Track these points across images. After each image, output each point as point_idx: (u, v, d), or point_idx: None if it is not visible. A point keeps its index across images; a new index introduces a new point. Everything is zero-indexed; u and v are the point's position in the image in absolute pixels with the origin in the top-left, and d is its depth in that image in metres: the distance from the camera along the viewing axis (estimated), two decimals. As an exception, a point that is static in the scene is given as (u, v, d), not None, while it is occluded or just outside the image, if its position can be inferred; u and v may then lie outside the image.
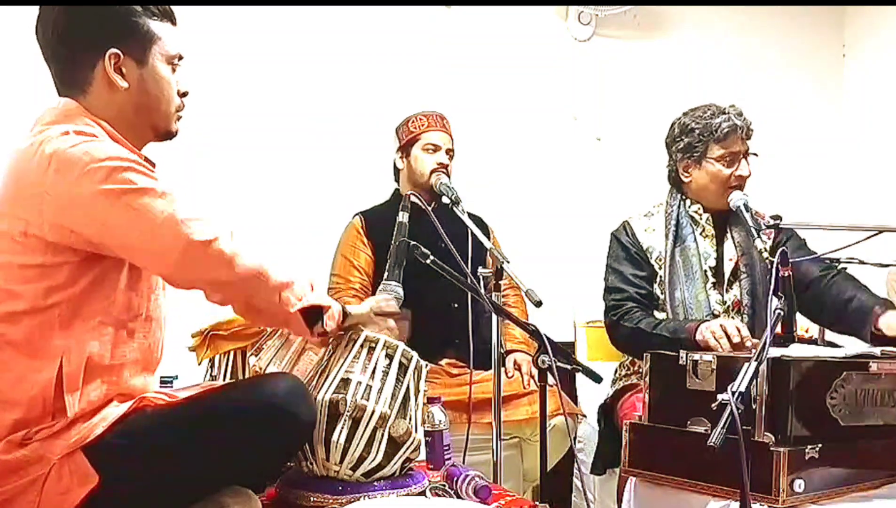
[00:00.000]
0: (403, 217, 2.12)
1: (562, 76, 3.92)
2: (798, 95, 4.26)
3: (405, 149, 3.00)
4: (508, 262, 2.22)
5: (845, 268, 2.50)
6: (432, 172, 2.90)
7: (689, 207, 2.58)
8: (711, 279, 2.52)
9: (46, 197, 1.52)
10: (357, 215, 3.04)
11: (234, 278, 1.60)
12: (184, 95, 1.75)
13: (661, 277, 2.54)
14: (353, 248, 2.96)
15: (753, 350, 1.76)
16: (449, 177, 2.93)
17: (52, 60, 1.68)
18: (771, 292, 1.93)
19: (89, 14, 1.65)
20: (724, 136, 2.47)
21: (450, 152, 2.97)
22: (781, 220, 2.34)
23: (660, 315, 2.52)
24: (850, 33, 4.34)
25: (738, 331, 2.24)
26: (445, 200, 2.71)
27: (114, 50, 1.64)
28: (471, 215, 2.94)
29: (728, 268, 2.54)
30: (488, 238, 2.96)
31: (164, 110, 1.72)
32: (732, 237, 2.57)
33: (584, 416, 2.97)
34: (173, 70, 1.73)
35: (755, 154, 2.54)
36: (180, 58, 1.74)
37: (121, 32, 1.65)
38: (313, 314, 1.75)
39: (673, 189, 2.64)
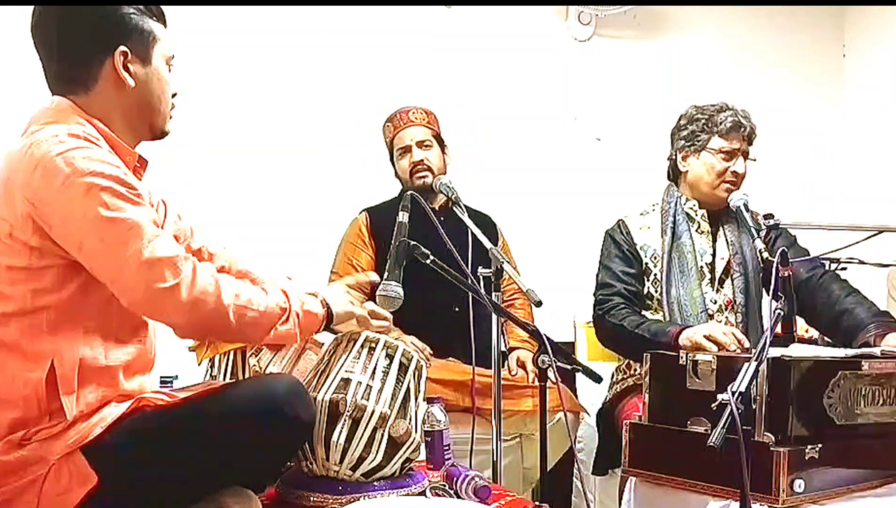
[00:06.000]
0: (403, 217, 2.11)
1: (562, 76, 3.93)
2: (798, 95, 4.26)
3: (392, 157, 3.04)
4: (508, 262, 2.20)
5: (833, 269, 2.48)
6: (411, 174, 2.93)
7: (685, 203, 2.58)
8: (708, 276, 2.52)
9: (29, 203, 1.52)
10: (363, 211, 3.04)
11: (188, 324, 1.60)
12: (173, 96, 1.77)
13: (656, 274, 2.54)
14: (354, 247, 2.96)
15: (753, 350, 1.76)
16: (444, 163, 2.95)
17: (53, 59, 1.67)
18: (771, 293, 1.93)
19: (96, 13, 1.65)
20: (727, 130, 2.51)
21: (424, 143, 2.95)
22: (774, 218, 2.34)
23: (652, 315, 2.52)
24: (850, 33, 4.34)
25: (731, 336, 2.21)
26: (443, 198, 2.71)
27: (123, 48, 1.65)
28: (479, 214, 2.94)
29: (720, 266, 2.54)
30: (497, 239, 2.98)
31: (162, 110, 1.74)
32: (725, 236, 2.57)
33: (587, 413, 2.96)
34: (169, 70, 1.75)
35: (753, 159, 2.57)
36: (172, 59, 1.77)
37: (128, 31, 1.67)
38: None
39: (670, 186, 2.65)
